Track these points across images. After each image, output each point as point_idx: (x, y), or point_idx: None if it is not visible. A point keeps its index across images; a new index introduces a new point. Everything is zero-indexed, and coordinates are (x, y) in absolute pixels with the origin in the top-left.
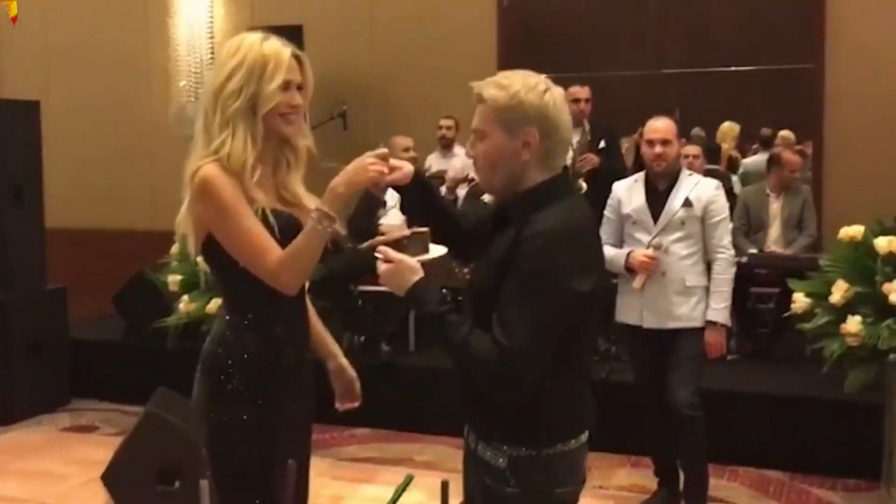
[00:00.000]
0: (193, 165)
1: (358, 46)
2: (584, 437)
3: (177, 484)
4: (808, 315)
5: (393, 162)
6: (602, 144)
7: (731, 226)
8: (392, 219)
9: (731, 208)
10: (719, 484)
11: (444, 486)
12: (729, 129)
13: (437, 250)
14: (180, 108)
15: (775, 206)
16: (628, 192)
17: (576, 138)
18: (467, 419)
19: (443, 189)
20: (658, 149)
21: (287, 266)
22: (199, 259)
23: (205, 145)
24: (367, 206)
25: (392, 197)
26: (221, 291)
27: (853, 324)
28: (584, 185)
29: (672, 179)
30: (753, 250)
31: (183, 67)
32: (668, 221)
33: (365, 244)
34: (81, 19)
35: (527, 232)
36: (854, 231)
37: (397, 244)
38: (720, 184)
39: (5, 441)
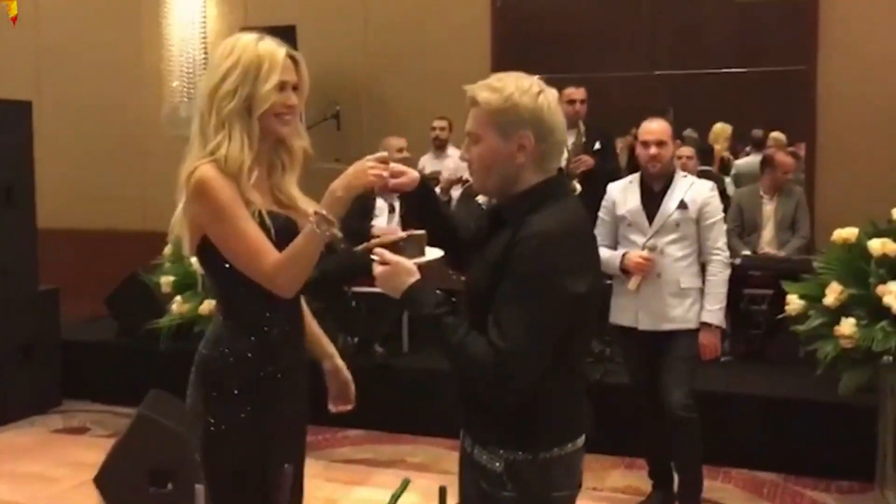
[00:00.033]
0: (189, 167)
1: (351, 47)
2: (581, 440)
3: (169, 486)
4: (801, 317)
5: (397, 167)
6: (597, 146)
7: (725, 227)
8: (385, 220)
9: (725, 210)
10: (713, 486)
11: (442, 492)
12: (721, 131)
13: (433, 253)
14: (173, 108)
15: (769, 207)
16: (623, 194)
17: (571, 139)
18: (463, 422)
19: (436, 190)
20: (653, 150)
21: (284, 269)
22: (194, 260)
23: (201, 147)
24: (360, 208)
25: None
26: (216, 294)
27: (847, 326)
28: (578, 186)
29: (667, 181)
30: (747, 252)
31: (175, 68)
32: (663, 223)
33: (361, 246)
34: (74, 19)
35: (522, 234)
36: (848, 233)
37: (393, 246)
38: (715, 185)
39: None
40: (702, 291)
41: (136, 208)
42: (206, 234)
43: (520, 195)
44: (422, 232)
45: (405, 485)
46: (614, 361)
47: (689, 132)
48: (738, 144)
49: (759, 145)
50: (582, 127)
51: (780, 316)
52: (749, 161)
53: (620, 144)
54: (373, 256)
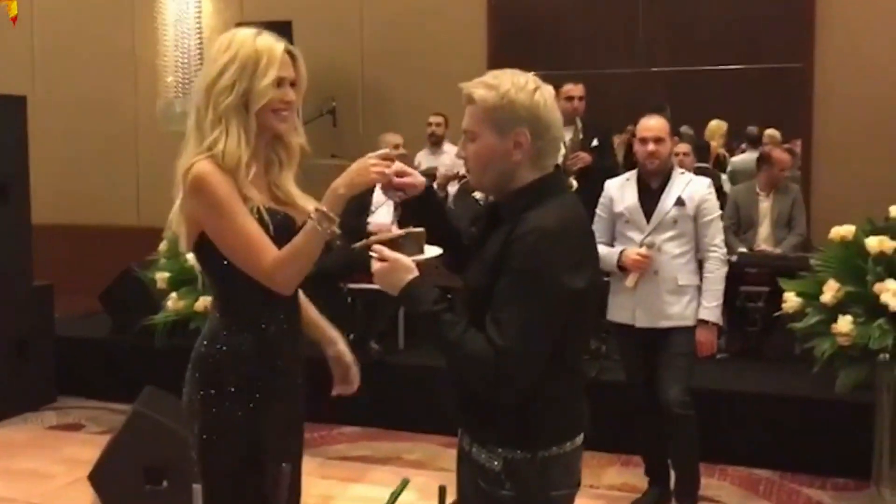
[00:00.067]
0: (186, 162)
1: (348, 43)
2: (580, 439)
3: (165, 483)
4: (799, 314)
5: (403, 167)
6: (595, 143)
7: (722, 224)
8: (381, 217)
9: (721, 207)
10: (709, 483)
11: (442, 491)
12: (717, 127)
13: (431, 251)
14: (168, 103)
15: (765, 204)
16: (620, 191)
17: (568, 136)
18: (461, 421)
19: (433, 186)
20: (651, 147)
21: (284, 266)
22: (190, 257)
23: (197, 142)
24: (357, 205)
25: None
26: (213, 290)
27: (844, 323)
28: (574, 182)
29: (664, 178)
30: (743, 249)
31: (171, 63)
32: (661, 220)
33: (360, 243)
34: (68, 15)
35: (519, 230)
36: (845, 231)
37: (392, 243)
38: (712, 182)
39: None
40: (699, 288)
41: (131, 204)
42: (203, 231)
43: (517, 192)
44: (421, 230)
45: (404, 484)
46: (610, 358)
47: (685, 129)
48: (734, 141)
49: (754, 142)
50: (579, 124)
51: (777, 314)
52: (745, 158)
53: (617, 141)
54: (371, 253)
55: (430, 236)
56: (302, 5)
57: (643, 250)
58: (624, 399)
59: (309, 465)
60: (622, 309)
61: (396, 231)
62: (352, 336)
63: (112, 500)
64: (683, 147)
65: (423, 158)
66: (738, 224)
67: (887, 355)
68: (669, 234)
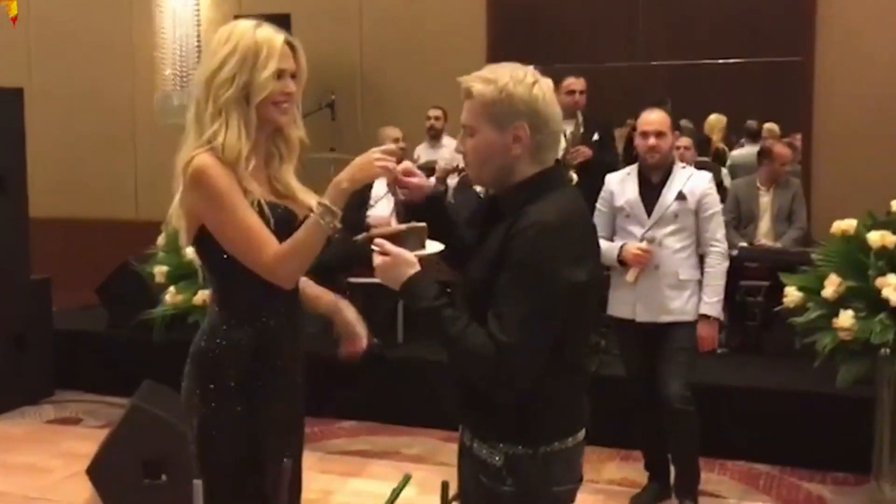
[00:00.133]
0: (186, 156)
1: (346, 35)
2: (581, 434)
3: (163, 478)
4: (799, 309)
5: (413, 168)
6: (595, 137)
7: (723, 219)
8: (380, 210)
9: (721, 201)
10: (709, 478)
11: (445, 487)
12: (716, 121)
13: (433, 246)
14: (165, 96)
15: (765, 199)
16: (621, 185)
17: (569, 130)
18: (462, 416)
19: (432, 180)
20: (652, 141)
21: (286, 260)
22: (189, 250)
23: (197, 135)
24: (357, 198)
25: (383, 187)
26: (213, 284)
27: (846, 318)
28: (574, 176)
29: (665, 172)
30: (743, 243)
31: (168, 56)
32: (662, 215)
33: (361, 236)
34: (65, 7)
35: (519, 225)
36: (846, 225)
37: (394, 237)
38: (713, 176)
39: None
40: (700, 283)
41: (129, 197)
42: (203, 224)
43: (516, 186)
44: (423, 224)
45: (406, 480)
46: (610, 353)
47: (685, 122)
48: (733, 136)
49: (754, 136)
50: (580, 118)
51: (777, 308)
52: (744, 152)
53: (616, 135)
54: (373, 247)
55: (433, 237)
56: None
57: (644, 245)
58: (624, 394)
59: (308, 459)
60: (623, 303)
61: (395, 225)
62: None
63: (110, 494)
64: (684, 141)
65: (423, 152)
66: (739, 218)
67: (888, 350)
68: (670, 228)
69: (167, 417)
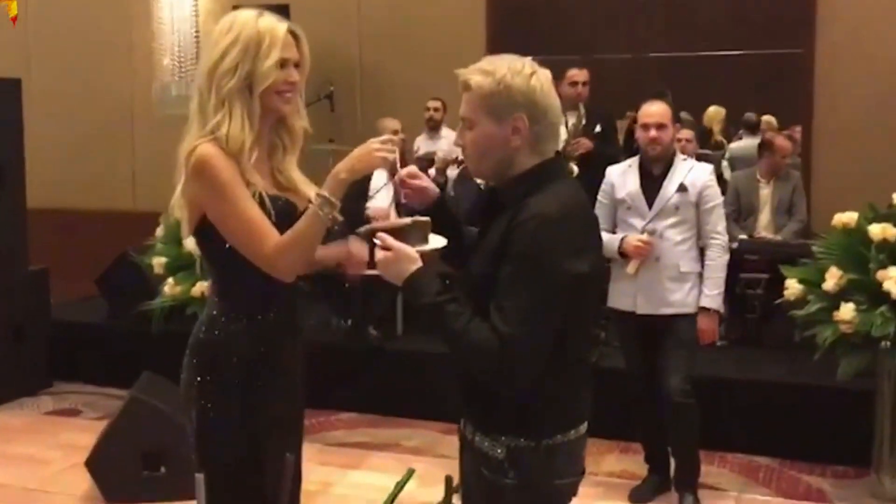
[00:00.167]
0: (189, 146)
1: (345, 26)
2: (584, 427)
3: (162, 470)
4: (800, 302)
5: (417, 171)
6: (598, 129)
7: (724, 211)
8: (380, 202)
9: (721, 193)
10: (709, 470)
11: (448, 481)
12: (715, 113)
13: (436, 241)
14: (164, 86)
15: (765, 191)
16: (622, 177)
17: (571, 121)
18: (464, 409)
19: (432, 171)
20: (653, 133)
21: (285, 252)
22: (188, 242)
23: (200, 126)
24: (356, 190)
25: (382, 178)
26: (213, 276)
27: (847, 311)
28: (575, 168)
29: (666, 164)
30: (743, 236)
31: (166, 46)
32: (663, 207)
33: (364, 228)
34: None
35: (520, 217)
36: (847, 218)
37: (397, 232)
38: (714, 168)
39: None
40: (701, 276)
41: (127, 188)
42: (204, 215)
43: (516, 178)
44: (426, 219)
45: (410, 474)
46: (610, 345)
47: (684, 115)
48: (731, 127)
49: (752, 129)
50: (582, 110)
51: (778, 301)
52: (743, 144)
53: (617, 127)
54: (375, 241)
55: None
56: None
57: (644, 237)
58: (623, 386)
59: (307, 451)
60: (623, 296)
61: (395, 218)
62: (350, 322)
63: (109, 486)
64: (686, 133)
65: (422, 143)
66: (739, 211)
67: (889, 343)
68: (671, 220)
69: (166, 409)
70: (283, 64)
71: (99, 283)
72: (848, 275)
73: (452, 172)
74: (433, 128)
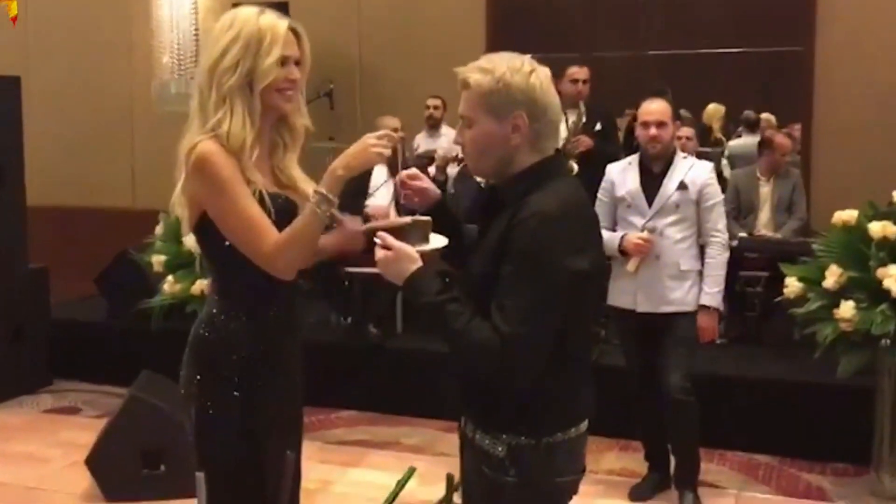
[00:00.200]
0: (189, 143)
1: (345, 24)
2: (584, 425)
3: (162, 468)
4: (800, 300)
5: (417, 172)
6: (598, 127)
7: (724, 209)
8: (380, 199)
9: (721, 192)
10: (709, 468)
11: (450, 479)
12: (714, 111)
13: (437, 241)
14: (163, 84)
15: (765, 189)
16: (622, 175)
17: (571, 119)
18: (464, 407)
19: (432, 169)
20: (653, 131)
21: (284, 250)
22: (187, 239)
23: (201, 124)
24: (355, 187)
25: (382, 176)
26: (212, 273)
27: (847, 309)
28: (575, 166)
29: (667, 162)
30: (743, 234)
31: (166, 43)
32: (663, 205)
33: (365, 227)
34: None
35: (520, 215)
36: (847, 216)
37: (397, 231)
38: (714, 166)
39: None
40: (701, 274)
41: (126, 186)
42: (204, 212)
43: (516, 176)
44: (427, 218)
45: (411, 473)
46: (610, 343)
47: (684, 112)
48: (731, 125)
49: (751, 126)
50: (582, 107)
51: (778, 299)
52: (742, 142)
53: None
54: (375, 240)
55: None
56: None
57: (645, 235)
58: (623, 384)
59: (307, 449)
60: (623, 294)
61: (394, 217)
62: (349, 320)
63: (109, 484)
64: (686, 131)
65: (422, 141)
66: (739, 209)
67: (889, 341)
68: (671, 218)
69: (166, 407)
70: (284, 61)
71: (98, 282)
72: (848, 272)
73: (452, 170)
74: (433, 126)
